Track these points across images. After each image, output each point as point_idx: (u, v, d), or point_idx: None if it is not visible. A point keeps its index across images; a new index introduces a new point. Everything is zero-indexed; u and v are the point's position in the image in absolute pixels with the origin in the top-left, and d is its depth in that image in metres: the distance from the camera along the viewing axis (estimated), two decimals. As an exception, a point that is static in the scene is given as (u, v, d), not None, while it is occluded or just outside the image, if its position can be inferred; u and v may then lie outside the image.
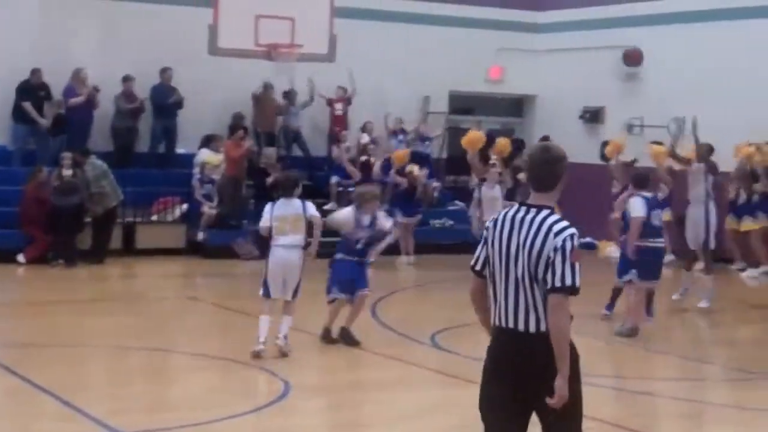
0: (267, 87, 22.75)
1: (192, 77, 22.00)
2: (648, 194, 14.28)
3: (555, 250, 5.84)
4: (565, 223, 5.96)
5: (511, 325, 5.94)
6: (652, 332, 14.26)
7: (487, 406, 6.07)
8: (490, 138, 19.95)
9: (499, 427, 6.04)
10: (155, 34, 21.97)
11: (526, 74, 26.13)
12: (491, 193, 18.54)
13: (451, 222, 23.10)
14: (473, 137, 18.23)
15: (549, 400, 5.80)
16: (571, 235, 5.89)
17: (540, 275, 5.86)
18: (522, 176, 18.00)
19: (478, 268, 6.17)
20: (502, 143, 19.27)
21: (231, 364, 11.89)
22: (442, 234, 22.68)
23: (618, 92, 24.47)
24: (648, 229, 13.96)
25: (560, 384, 5.79)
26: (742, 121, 21.40)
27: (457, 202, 24.10)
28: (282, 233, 12.10)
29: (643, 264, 14.01)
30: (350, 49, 21.68)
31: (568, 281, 5.82)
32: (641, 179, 14.49)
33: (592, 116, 25.04)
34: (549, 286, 5.82)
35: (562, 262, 5.82)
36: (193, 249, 20.90)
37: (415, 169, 21.43)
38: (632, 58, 23.63)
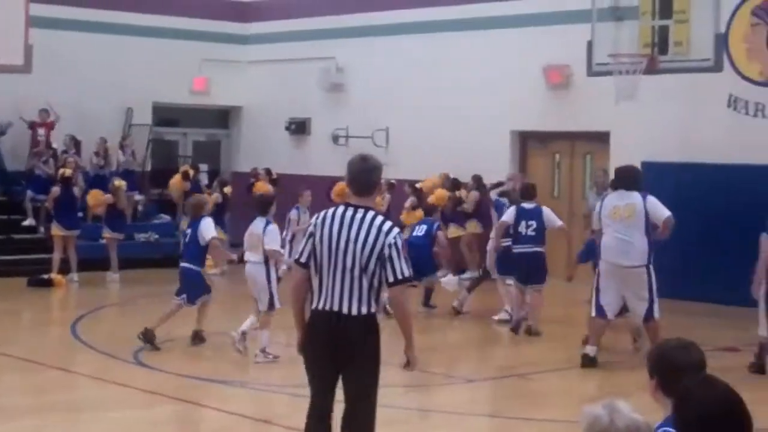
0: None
1: None
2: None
3: (389, 246, 6.78)
4: (390, 223, 6.97)
5: (335, 308, 6.85)
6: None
7: (310, 373, 7.16)
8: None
9: (317, 384, 7.14)
10: None
11: (231, 85, 25.97)
12: None
13: (156, 236, 22.61)
14: (439, 195, 19.11)
15: (405, 368, 7.13)
16: (399, 233, 6.93)
17: (371, 267, 6.78)
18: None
19: (303, 260, 7.00)
20: (439, 195, 19.59)
21: None
22: (148, 248, 22.18)
23: (323, 103, 24.65)
24: None
25: (411, 354, 7.06)
26: (437, 131, 22.01)
27: (162, 215, 23.65)
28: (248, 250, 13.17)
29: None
30: (48, 61, 20.95)
31: (406, 273, 6.86)
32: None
33: (298, 127, 25.11)
34: (391, 279, 6.81)
35: (398, 257, 6.81)
36: None
37: (117, 181, 20.85)
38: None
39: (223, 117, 27.11)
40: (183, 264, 14.02)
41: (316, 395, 7.20)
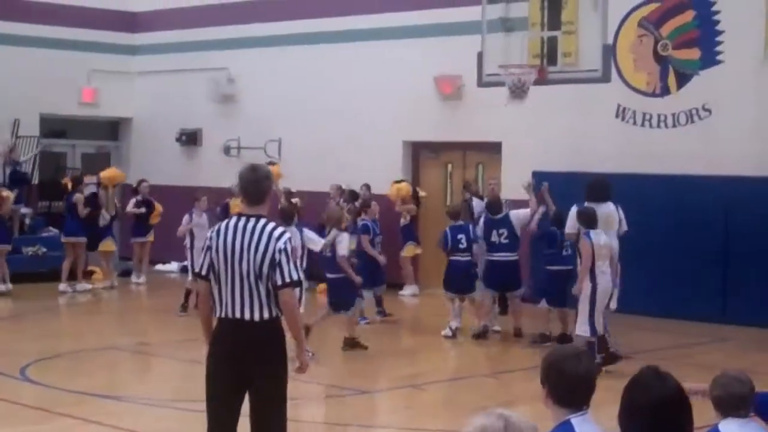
0: None
1: None
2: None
3: (279, 251, 6.99)
4: (282, 229, 7.21)
5: (237, 315, 7.03)
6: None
7: (211, 392, 7.12)
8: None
9: (216, 409, 7.11)
10: None
11: (120, 96, 25.63)
12: None
13: (45, 249, 22.16)
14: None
15: (296, 371, 7.16)
16: (289, 238, 7.16)
17: (265, 272, 6.98)
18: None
19: (203, 273, 7.21)
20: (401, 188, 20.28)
21: None
22: (36, 262, 21.74)
23: (214, 114, 24.43)
24: None
25: (300, 354, 7.23)
26: (330, 142, 21.98)
27: (50, 228, 23.19)
28: None
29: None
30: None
31: (294, 276, 7.06)
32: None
33: (189, 138, 24.86)
34: (279, 283, 6.96)
35: (287, 261, 7.00)
36: None
37: (4, 192, 20.44)
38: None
39: (113, 128, 26.72)
40: None
41: (213, 420, 7.16)
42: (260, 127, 23.24)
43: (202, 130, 24.80)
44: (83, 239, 20.53)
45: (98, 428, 10.50)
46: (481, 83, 16.52)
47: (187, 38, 24.82)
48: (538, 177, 16.88)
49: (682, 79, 18.12)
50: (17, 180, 22.40)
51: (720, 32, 17.69)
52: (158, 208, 21.63)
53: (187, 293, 16.70)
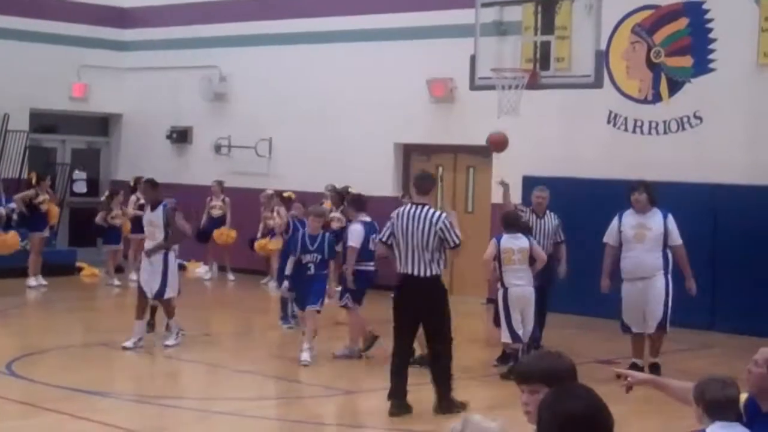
0: None
1: None
2: (367, 219, 14.42)
3: (440, 228, 10.72)
4: (439, 212, 10.88)
5: (413, 273, 10.74)
6: (238, 352, 14.24)
7: (396, 324, 10.92)
8: None
9: (402, 332, 10.90)
10: None
11: (111, 92, 25.56)
12: None
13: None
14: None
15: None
16: (445, 217, 10.81)
17: (430, 242, 10.68)
18: None
19: (384, 240, 11.03)
20: None
21: None
22: (25, 256, 21.64)
23: (205, 113, 24.39)
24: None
25: None
26: (321, 143, 21.98)
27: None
28: None
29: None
30: None
31: (456, 241, 10.87)
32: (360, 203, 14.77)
33: (180, 136, 24.81)
34: (452, 246, 10.83)
35: (448, 233, 10.75)
36: None
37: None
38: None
39: (103, 124, 26.65)
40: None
41: (397, 341, 10.91)
42: (251, 126, 23.21)
43: (193, 128, 24.76)
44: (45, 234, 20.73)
45: (86, 424, 10.48)
46: (473, 87, 16.50)
47: (178, 35, 24.77)
48: (531, 182, 16.87)
49: (675, 87, 18.15)
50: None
51: (713, 40, 17.73)
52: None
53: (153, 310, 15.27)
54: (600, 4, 15.10)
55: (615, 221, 13.64)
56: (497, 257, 13.00)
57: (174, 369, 13.73)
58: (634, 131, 18.48)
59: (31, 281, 20.25)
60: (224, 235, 21.89)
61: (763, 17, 17.20)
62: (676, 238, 13.44)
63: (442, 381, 10.91)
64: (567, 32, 17.63)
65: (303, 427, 10.97)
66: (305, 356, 13.21)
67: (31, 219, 20.74)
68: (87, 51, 25.04)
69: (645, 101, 18.39)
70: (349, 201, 15.67)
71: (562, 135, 18.99)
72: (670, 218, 13.46)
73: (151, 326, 14.85)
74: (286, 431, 10.92)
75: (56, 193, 22.58)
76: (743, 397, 5.63)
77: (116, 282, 20.83)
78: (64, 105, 25.13)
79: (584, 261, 15.20)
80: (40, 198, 20.66)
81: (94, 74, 25.17)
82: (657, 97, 18.30)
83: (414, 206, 10.83)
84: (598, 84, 15.60)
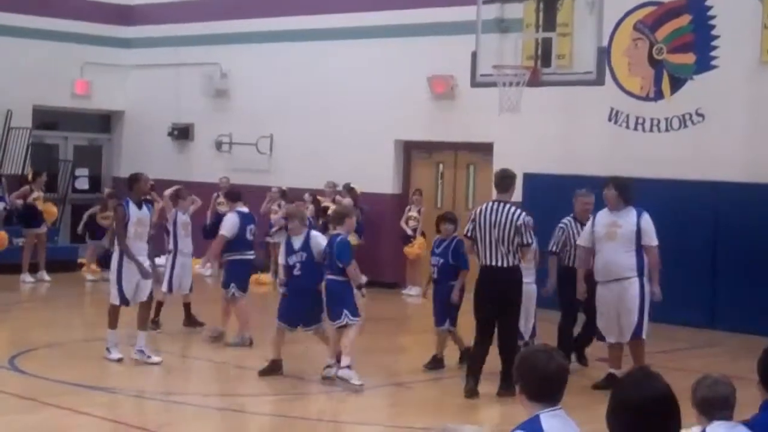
0: None
1: None
2: (244, 209, 14.67)
3: (519, 225, 11.50)
4: (519, 210, 11.68)
5: (493, 263, 11.54)
6: (239, 349, 14.26)
7: (478, 311, 11.70)
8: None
9: (484, 320, 11.67)
10: None
11: (113, 89, 25.60)
12: None
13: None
14: None
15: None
16: (524, 216, 11.58)
17: (509, 237, 11.48)
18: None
19: (469, 235, 11.80)
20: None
21: None
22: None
23: (206, 109, 24.41)
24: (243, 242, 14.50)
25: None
26: (322, 140, 21.99)
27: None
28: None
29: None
30: None
31: (529, 240, 11.66)
32: (235, 194, 15.11)
33: (181, 133, 24.83)
34: (524, 243, 11.59)
35: (524, 231, 11.52)
36: None
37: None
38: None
39: (105, 121, 26.68)
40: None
41: (480, 329, 11.67)
42: (252, 122, 23.23)
43: (194, 125, 24.78)
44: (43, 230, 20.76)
45: (87, 419, 10.49)
46: (474, 83, 16.50)
47: (180, 32, 24.79)
48: (532, 179, 16.88)
49: (676, 84, 18.14)
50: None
51: (715, 37, 17.72)
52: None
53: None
54: (602, 0, 15.11)
55: (589, 222, 12.88)
56: None
57: (175, 364, 13.74)
58: (635, 128, 18.48)
59: (26, 277, 20.23)
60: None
61: (766, 14, 17.19)
62: (651, 239, 12.48)
63: (509, 363, 11.06)
64: (568, 29, 17.65)
65: (304, 423, 10.98)
66: (328, 372, 12.43)
67: (26, 215, 20.79)
68: (89, 48, 25.08)
69: (647, 98, 18.39)
70: (224, 193, 15.92)
71: (563, 132, 19.00)
72: (645, 217, 12.46)
73: (155, 324, 14.88)
74: (287, 428, 10.92)
75: (58, 190, 22.60)
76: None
77: (90, 277, 20.94)
78: (67, 102, 25.17)
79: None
80: (35, 194, 20.68)
81: (96, 71, 25.20)
82: (659, 95, 18.30)
83: (495, 203, 11.69)
84: (599, 81, 15.60)
